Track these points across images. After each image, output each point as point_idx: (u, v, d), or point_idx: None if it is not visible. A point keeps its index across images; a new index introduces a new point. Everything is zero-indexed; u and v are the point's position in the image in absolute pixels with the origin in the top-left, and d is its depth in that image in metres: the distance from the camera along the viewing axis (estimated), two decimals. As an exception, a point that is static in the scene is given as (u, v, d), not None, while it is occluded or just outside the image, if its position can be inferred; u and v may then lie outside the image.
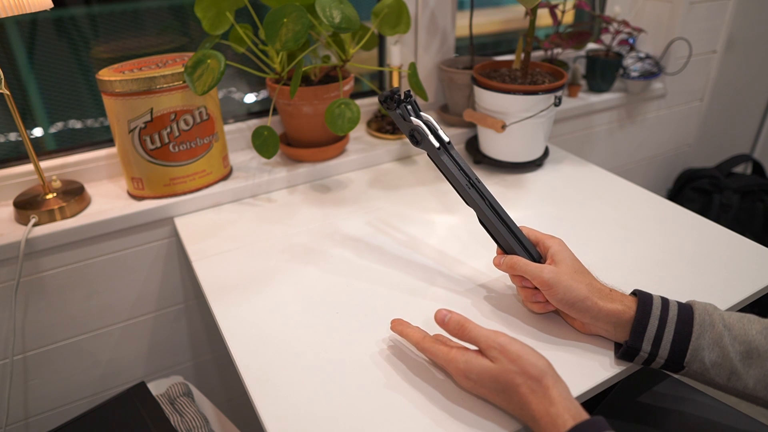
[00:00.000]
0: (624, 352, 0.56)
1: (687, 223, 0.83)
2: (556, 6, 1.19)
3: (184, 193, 0.89)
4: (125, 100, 0.80)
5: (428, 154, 0.65)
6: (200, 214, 0.90)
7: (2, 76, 0.75)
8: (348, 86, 0.96)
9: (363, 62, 1.18)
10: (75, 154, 0.93)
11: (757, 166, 1.77)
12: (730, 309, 0.65)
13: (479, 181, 0.65)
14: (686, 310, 0.55)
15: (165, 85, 0.81)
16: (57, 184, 0.87)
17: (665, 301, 0.56)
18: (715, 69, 1.54)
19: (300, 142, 1.01)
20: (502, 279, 0.72)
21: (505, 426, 0.52)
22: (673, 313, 0.55)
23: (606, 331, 0.58)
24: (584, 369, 0.57)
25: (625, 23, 1.27)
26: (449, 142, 0.66)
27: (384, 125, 1.11)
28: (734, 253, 0.75)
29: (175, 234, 0.92)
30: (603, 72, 1.31)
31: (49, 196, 0.84)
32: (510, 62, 1.03)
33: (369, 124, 1.14)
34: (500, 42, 1.48)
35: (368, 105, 1.15)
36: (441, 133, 0.65)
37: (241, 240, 0.82)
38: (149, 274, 0.94)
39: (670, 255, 0.76)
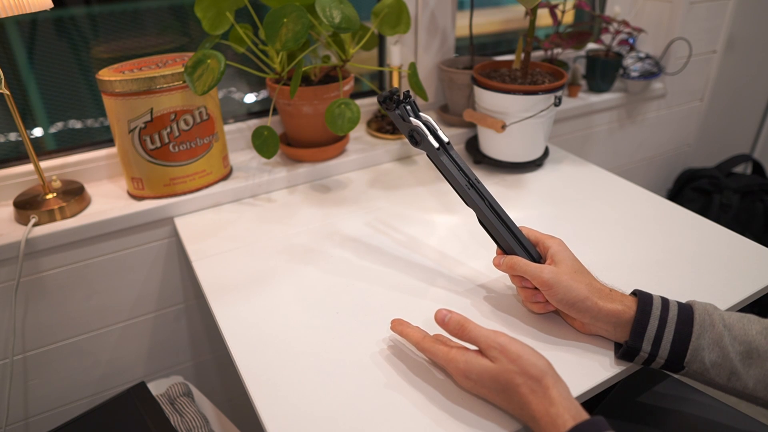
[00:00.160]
0: (624, 352, 0.56)
1: (687, 223, 0.83)
2: (556, 6, 1.19)
3: (184, 193, 0.89)
4: (125, 100, 0.80)
5: (428, 155, 0.65)
6: (200, 214, 0.90)
7: (2, 76, 0.75)
8: (348, 86, 0.96)
9: (363, 62, 1.18)
10: (75, 154, 0.93)
11: (757, 166, 1.77)
12: (730, 309, 0.65)
13: (479, 182, 0.65)
14: (686, 310, 0.55)
15: (165, 85, 0.81)
16: (57, 184, 0.87)
17: (665, 301, 0.56)
18: (715, 69, 1.54)
19: (300, 142, 1.01)
20: (501, 279, 0.72)
21: (505, 426, 0.52)
22: (673, 313, 0.55)
23: (606, 331, 0.58)
24: (584, 369, 0.57)
25: (625, 23, 1.27)
26: (449, 143, 0.66)
27: (384, 125, 1.11)
28: (734, 253, 0.75)
29: (175, 234, 0.92)
30: (603, 72, 1.31)
31: (49, 196, 0.84)
32: (510, 62, 1.03)
33: (369, 124, 1.14)
34: (500, 42, 1.48)
35: (368, 105, 1.15)
36: (440, 133, 0.65)
37: (241, 240, 0.82)
38: (149, 274, 0.94)
39: (670, 255, 0.76)
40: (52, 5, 0.74)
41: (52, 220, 0.82)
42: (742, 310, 0.59)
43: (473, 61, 1.14)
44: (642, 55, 1.36)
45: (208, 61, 0.81)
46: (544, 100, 0.91)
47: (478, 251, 0.78)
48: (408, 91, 0.67)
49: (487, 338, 0.52)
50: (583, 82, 1.37)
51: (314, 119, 0.96)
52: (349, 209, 0.90)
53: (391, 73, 1.14)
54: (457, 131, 1.12)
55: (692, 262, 0.74)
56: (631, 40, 1.33)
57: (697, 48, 1.43)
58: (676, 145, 1.64)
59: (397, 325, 0.60)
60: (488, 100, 0.95)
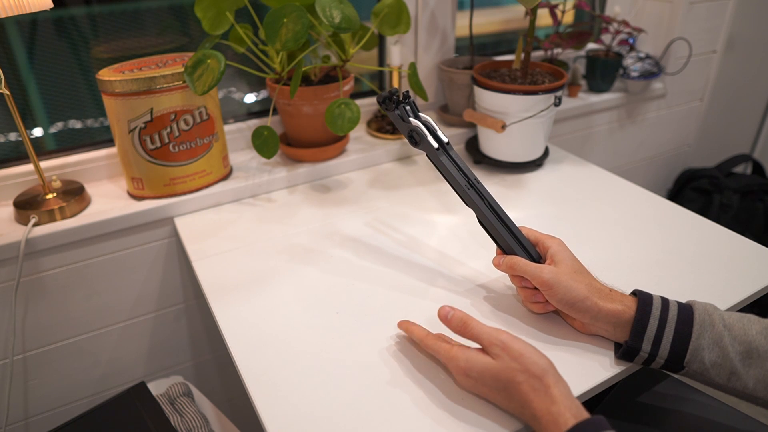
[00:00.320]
0: (624, 352, 0.56)
1: (687, 223, 0.83)
2: (556, 6, 1.19)
3: (184, 193, 0.89)
4: (125, 100, 0.80)
5: (427, 155, 0.65)
6: (200, 214, 0.90)
7: (2, 76, 0.75)
8: (348, 86, 0.96)
9: (363, 62, 1.18)
10: (75, 154, 0.93)
11: (757, 166, 1.77)
12: (730, 309, 0.65)
13: (478, 182, 0.65)
14: (686, 310, 0.55)
15: (165, 85, 0.81)
16: (57, 184, 0.87)
17: (665, 301, 0.56)
18: (715, 69, 1.54)
19: (300, 142, 1.01)
20: (501, 279, 0.72)
21: (505, 426, 0.52)
22: (673, 313, 0.55)
23: (606, 331, 0.58)
24: (584, 369, 0.57)
25: (625, 23, 1.27)
26: (448, 143, 0.65)
27: (384, 125, 1.11)
28: (734, 253, 0.75)
29: (175, 234, 0.92)
30: (603, 72, 1.31)
31: (49, 196, 0.84)
32: (510, 62, 1.03)
33: (369, 124, 1.14)
34: (500, 42, 1.48)
35: (368, 105, 1.15)
36: (440, 133, 0.65)
37: (241, 240, 0.82)
38: (149, 274, 0.94)
39: (670, 255, 0.76)
40: (52, 5, 0.74)
41: (52, 220, 0.82)
42: (742, 310, 0.59)
43: (473, 61, 1.14)
44: (642, 55, 1.36)
45: (208, 61, 0.81)
46: (544, 100, 0.91)
47: (478, 251, 0.78)
48: (407, 92, 0.67)
49: (489, 335, 0.52)
50: (583, 82, 1.37)
51: (314, 119, 0.96)
52: (349, 209, 0.90)
53: (391, 73, 1.14)
54: (457, 131, 1.12)
55: (692, 262, 0.74)
56: (631, 40, 1.33)
57: (697, 48, 1.43)
58: (676, 145, 1.64)
59: (403, 323, 0.61)
60: (488, 100, 0.95)
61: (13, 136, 0.92)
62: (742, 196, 1.60)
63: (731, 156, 1.73)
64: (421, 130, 0.64)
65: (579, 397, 0.55)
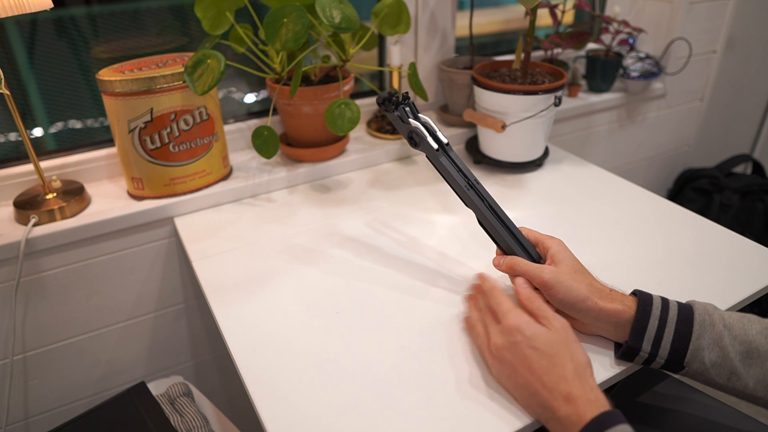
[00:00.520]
0: (624, 352, 0.56)
1: (687, 223, 0.83)
2: (556, 6, 1.19)
3: (184, 193, 0.89)
4: (125, 100, 0.80)
5: (427, 156, 0.65)
6: (200, 214, 0.90)
7: (2, 76, 0.75)
8: (348, 86, 0.96)
9: (363, 62, 1.18)
10: (75, 154, 0.93)
11: (757, 166, 1.77)
12: (730, 309, 0.65)
13: (478, 183, 0.65)
14: (686, 310, 0.55)
15: (165, 85, 0.81)
16: (57, 184, 0.87)
17: (665, 301, 0.56)
18: (715, 69, 1.54)
19: (300, 142, 1.01)
20: (502, 279, 0.72)
21: (505, 426, 0.52)
22: (673, 313, 0.55)
23: (606, 332, 0.58)
24: (584, 369, 0.57)
25: (625, 23, 1.27)
26: (448, 144, 0.65)
27: (384, 125, 1.11)
28: (734, 253, 0.75)
29: (175, 234, 0.92)
30: (603, 72, 1.31)
31: (49, 196, 0.84)
32: (510, 62, 1.03)
33: (369, 124, 1.14)
34: (500, 42, 1.48)
35: (368, 105, 1.15)
36: (439, 134, 0.65)
37: (241, 240, 0.82)
38: (149, 274, 0.94)
39: (670, 255, 0.76)
40: (52, 5, 0.74)
41: (52, 220, 0.82)
42: (742, 310, 0.59)
43: (473, 61, 1.14)
44: (642, 55, 1.36)
45: (208, 61, 0.81)
46: (544, 100, 0.91)
47: (479, 252, 0.78)
48: (407, 93, 0.67)
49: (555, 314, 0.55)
50: (583, 82, 1.37)
51: (314, 119, 0.96)
52: (349, 209, 0.90)
53: (391, 73, 1.14)
54: (457, 131, 1.12)
55: (692, 262, 0.74)
56: (631, 40, 1.33)
57: (697, 48, 1.43)
58: (676, 145, 1.64)
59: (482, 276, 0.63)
60: (488, 100, 0.95)
61: (13, 136, 0.92)
62: (742, 196, 1.60)
63: (731, 156, 1.73)
64: (421, 131, 0.64)
65: (579, 397, 0.55)
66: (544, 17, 1.31)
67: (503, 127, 0.93)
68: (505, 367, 0.54)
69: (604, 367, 0.57)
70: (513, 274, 0.62)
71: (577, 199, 0.91)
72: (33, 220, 0.81)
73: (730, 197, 1.59)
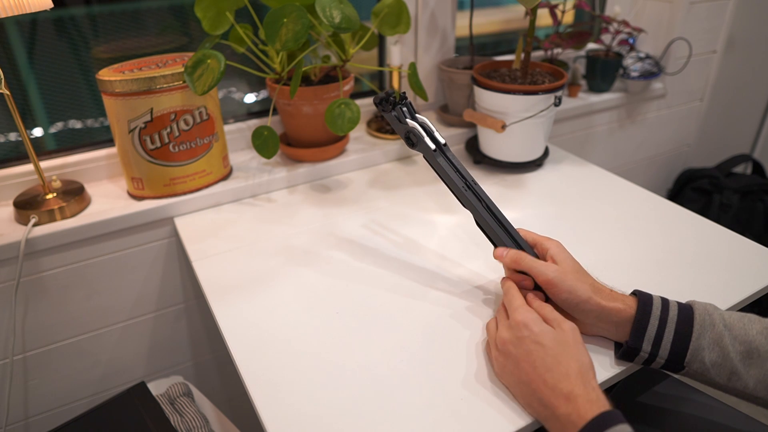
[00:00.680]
0: (624, 352, 0.56)
1: (687, 223, 0.83)
2: (556, 6, 1.19)
3: (184, 193, 0.89)
4: (125, 100, 0.80)
5: (424, 157, 0.65)
6: (200, 214, 0.90)
7: (2, 76, 0.75)
8: (348, 86, 0.96)
9: (363, 62, 1.18)
10: (75, 154, 0.93)
11: (757, 166, 1.77)
12: (730, 309, 0.65)
13: (476, 183, 0.64)
14: (686, 310, 0.55)
15: (165, 85, 0.81)
16: (57, 184, 0.87)
17: (665, 302, 0.56)
18: (715, 69, 1.54)
19: (300, 142, 1.01)
20: (500, 279, 0.72)
21: (505, 425, 0.52)
22: (673, 313, 0.55)
23: (607, 331, 0.58)
24: (584, 369, 0.57)
25: (625, 23, 1.27)
26: (445, 144, 0.65)
27: (384, 125, 1.11)
28: (734, 253, 0.75)
29: (175, 234, 0.92)
30: (603, 72, 1.31)
31: (49, 196, 0.84)
32: (510, 62, 1.03)
33: (369, 124, 1.14)
34: (500, 42, 1.48)
35: (368, 105, 1.15)
36: (437, 135, 0.65)
37: (241, 240, 0.82)
38: (149, 274, 0.94)
39: (670, 255, 0.76)
40: (52, 5, 0.74)
41: (52, 220, 0.82)
42: (742, 310, 0.59)
43: (473, 61, 1.14)
44: (642, 55, 1.36)
45: (208, 61, 0.81)
46: (544, 100, 0.91)
47: (479, 251, 0.78)
48: (404, 93, 0.67)
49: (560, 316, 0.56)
50: (583, 82, 1.37)
51: (314, 119, 0.96)
52: (349, 209, 0.90)
53: (391, 73, 1.14)
54: (457, 131, 1.12)
55: (692, 262, 0.74)
56: (631, 40, 1.33)
57: (697, 48, 1.43)
58: (676, 145, 1.64)
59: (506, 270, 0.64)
60: (488, 100, 0.95)
61: (13, 136, 0.92)
62: (742, 196, 1.60)
63: (731, 156, 1.73)
64: (418, 132, 0.64)
65: (579, 397, 0.55)
66: (544, 17, 1.31)
67: (503, 127, 0.93)
68: (508, 361, 0.54)
69: (604, 367, 0.57)
70: (516, 268, 0.61)
71: (577, 199, 0.91)
72: (33, 220, 0.81)
73: (730, 197, 1.59)
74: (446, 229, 0.84)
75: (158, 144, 0.84)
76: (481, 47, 1.39)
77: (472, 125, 1.12)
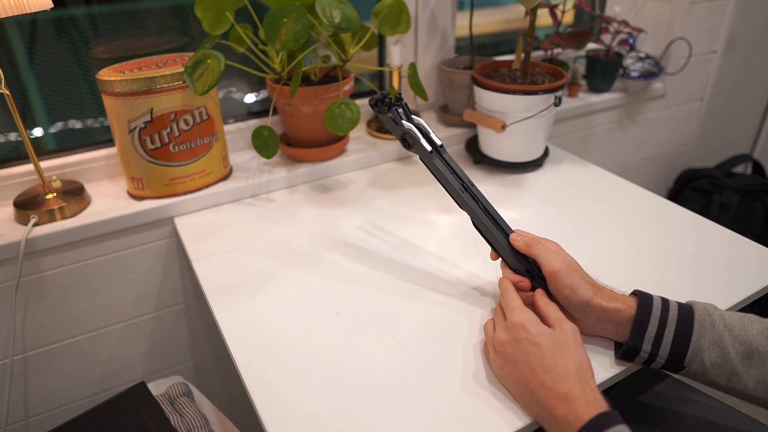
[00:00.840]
0: (624, 352, 0.56)
1: (687, 223, 0.83)
2: (556, 6, 1.19)
3: (184, 193, 0.89)
4: (125, 100, 0.80)
5: (420, 158, 0.65)
6: (200, 214, 0.90)
7: (2, 76, 0.75)
8: (348, 86, 0.96)
9: (363, 62, 1.18)
10: (75, 154, 0.93)
11: (757, 166, 1.77)
12: (730, 309, 0.65)
13: (472, 185, 0.64)
14: (686, 311, 0.55)
15: (165, 85, 0.81)
16: (57, 184, 0.87)
17: (665, 302, 0.56)
18: (715, 69, 1.54)
19: (300, 142, 1.01)
20: (498, 279, 0.72)
21: (505, 426, 0.52)
22: (673, 313, 0.55)
23: (607, 331, 0.58)
24: (584, 369, 0.57)
25: (625, 23, 1.27)
26: (442, 146, 0.65)
27: (384, 125, 1.11)
28: (734, 253, 0.75)
29: (175, 234, 0.92)
30: (603, 72, 1.31)
31: (49, 196, 0.84)
32: (510, 62, 1.03)
33: (369, 124, 1.14)
34: (500, 42, 1.48)
35: (368, 105, 1.15)
36: (433, 136, 0.64)
37: (241, 240, 0.82)
38: (149, 274, 0.94)
39: (670, 255, 0.76)
40: (52, 5, 0.74)
41: (52, 220, 0.82)
42: (742, 310, 0.59)
43: (473, 61, 1.14)
44: (642, 55, 1.36)
45: (208, 61, 0.81)
46: (544, 100, 0.91)
47: (479, 252, 0.78)
48: (400, 94, 0.66)
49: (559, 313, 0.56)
50: (583, 82, 1.37)
51: (314, 119, 0.96)
52: (349, 209, 0.90)
53: (391, 73, 1.14)
54: (457, 131, 1.12)
55: (692, 262, 0.74)
56: (631, 40, 1.33)
57: (697, 48, 1.43)
58: (676, 145, 1.64)
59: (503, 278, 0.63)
60: (488, 100, 0.95)
61: (13, 136, 0.92)
62: (742, 196, 1.60)
63: (731, 156, 1.72)
64: (414, 133, 0.64)
65: (579, 397, 0.55)
66: (544, 17, 1.31)
67: (503, 127, 0.93)
68: (506, 362, 0.54)
69: (604, 367, 0.57)
70: (527, 252, 0.61)
71: (577, 199, 0.91)
72: (33, 220, 0.81)
73: (730, 197, 1.59)
74: (446, 230, 0.84)
75: (158, 144, 0.84)
76: (481, 47, 1.39)
77: (472, 125, 1.12)
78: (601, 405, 0.47)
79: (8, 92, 0.76)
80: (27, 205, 0.82)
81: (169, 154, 0.85)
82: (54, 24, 0.90)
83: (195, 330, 1.04)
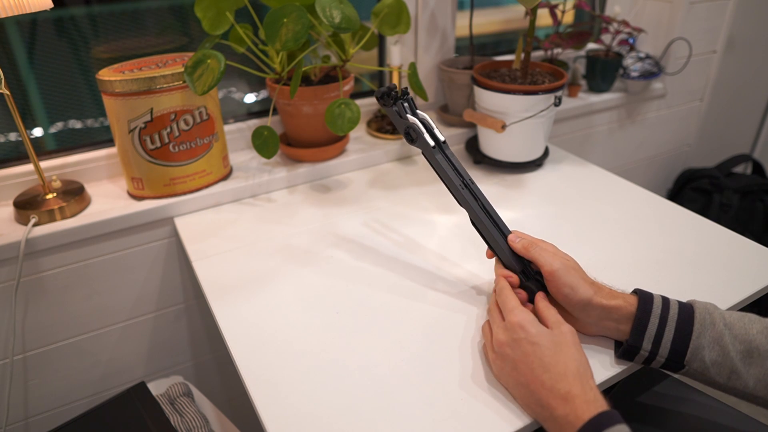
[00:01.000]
0: (624, 350, 0.56)
1: (687, 223, 0.83)
2: (556, 6, 1.19)
3: (184, 193, 0.89)
4: (125, 100, 0.80)
5: (423, 153, 0.65)
6: (200, 214, 0.90)
7: (2, 76, 0.75)
8: (348, 86, 0.96)
9: (363, 62, 1.18)
10: (75, 154, 0.93)
11: (757, 166, 1.77)
12: (730, 309, 0.65)
13: (473, 182, 0.65)
14: (687, 309, 0.55)
15: (165, 85, 0.81)
16: (57, 184, 0.87)
17: (666, 300, 0.56)
18: (715, 69, 1.54)
19: (300, 142, 1.01)
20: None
21: (505, 426, 0.52)
22: (673, 311, 0.55)
23: (608, 329, 0.58)
24: (584, 369, 0.57)
25: (625, 23, 1.27)
26: (444, 142, 0.65)
27: (384, 125, 1.11)
28: (734, 253, 0.75)
29: (175, 234, 0.92)
30: (603, 72, 1.31)
31: (49, 196, 0.84)
32: (510, 62, 1.03)
33: (369, 124, 1.14)
34: (500, 42, 1.48)
35: (368, 105, 1.15)
36: (437, 132, 0.65)
37: (241, 240, 0.82)
38: (149, 274, 0.94)
39: (670, 255, 0.76)
40: (52, 5, 0.74)
41: (52, 220, 0.82)
42: (742, 311, 0.59)
43: (473, 61, 1.14)
44: (642, 55, 1.36)
45: (208, 61, 0.81)
46: (544, 100, 0.91)
47: (478, 252, 0.78)
48: (406, 88, 0.67)
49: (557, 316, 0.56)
50: (583, 82, 1.37)
51: (314, 119, 0.96)
52: (349, 209, 0.90)
53: (391, 73, 1.14)
54: (457, 131, 1.12)
55: (692, 262, 0.74)
56: (631, 40, 1.33)
57: (697, 48, 1.43)
58: (676, 145, 1.64)
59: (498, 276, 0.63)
60: (488, 100, 0.95)
61: (13, 136, 0.92)
62: (742, 196, 1.60)
63: (731, 156, 1.72)
64: (418, 128, 0.64)
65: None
66: (544, 17, 1.31)
67: (503, 127, 0.93)
68: (506, 363, 0.54)
69: (605, 366, 0.57)
70: (526, 255, 0.61)
71: (577, 199, 0.91)
72: (33, 220, 0.81)
73: (730, 197, 1.59)
74: (446, 230, 0.84)
75: (158, 144, 0.84)
76: (481, 47, 1.39)
77: (472, 125, 1.12)
78: (601, 404, 0.47)
79: (8, 92, 0.76)
80: (27, 205, 0.82)
81: (169, 154, 0.85)
82: (54, 24, 0.90)
83: (195, 330, 1.04)
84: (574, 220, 0.85)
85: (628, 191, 0.93)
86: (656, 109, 1.49)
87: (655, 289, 0.60)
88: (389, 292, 0.70)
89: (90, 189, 0.92)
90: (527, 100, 0.91)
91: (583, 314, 0.57)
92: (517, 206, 0.89)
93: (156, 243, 0.92)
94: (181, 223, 0.87)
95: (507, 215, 0.86)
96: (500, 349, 0.55)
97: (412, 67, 0.95)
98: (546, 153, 1.03)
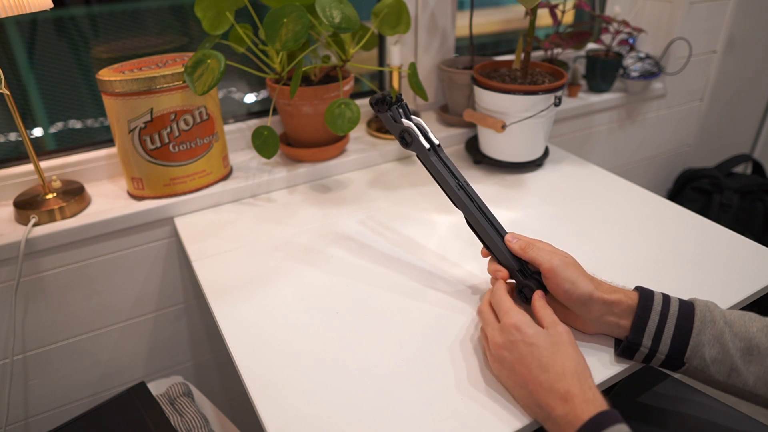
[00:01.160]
0: (624, 347, 0.56)
1: (687, 223, 0.83)
2: (556, 6, 1.19)
3: (184, 193, 0.89)
4: (125, 100, 0.80)
5: (418, 156, 0.66)
6: (200, 214, 0.90)
7: (2, 76, 0.75)
8: (348, 86, 0.96)
9: (363, 62, 1.18)
10: (75, 154, 0.93)
11: (757, 166, 1.77)
12: (730, 308, 0.65)
13: (468, 184, 0.66)
14: (687, 307, 0.55)
15: (165, 85, 0.81)
16: (57, 184, 0.87)
17: (666, 298, 0.56)
18: (715, 69, 1.54)
19: (300, 142, 1.01)
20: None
21: (505, 426, 0.52)
22: (674, 308, 0.55)
23: (610, 325, 0.57)
24: (584, 369, 0.57)
25: (625, 23, 1.27)
26: (439, 145, 0.67)
27: (384, 125, 1.11)
28: (734, 253, 0.75)
29: (175, 234, 0.92)
30: (603, 72, 1.31)
31: (49, 196, 0.84)
32: (510, 62, 1.03)
33: (369, 124, 1.14)
34: (500, 42, 1.48)
35: (368, 105, 1.15)
36: (431, 135, 0.66)
37: (241, 240, 0.82)
38: (149, 274, 0.94)
39: (670, 255, 0.76)
40: (52, 5, 0.74)
41: (52, 220, 0.82)
42: (742, 310, 0.59)
43: (473, 61, 1.14)
44: (642, 55, 1.36)
45: (208, 61, 0.81)
46: (544, 100, 0.91)
47: (478, 252, 0.78)
48: (400, 94, 0.68)
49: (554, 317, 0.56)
50: (583, 82, 1.37)
51: (314, 119, 0.96)
52: (349, 209, 0.90)
53: (391, 73, 1.14)
54: (457, 131, 1.12)
55: (692, 262, 0.74)
56: (631, 40, 1.33)
57: (697, 48, 1.43)
58: (676, 145, 1.64)
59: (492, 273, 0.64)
60: (488, 100, 0.95)
61: (13, 136, 0.92)
62: (742, 196, 1.60)
63: (731, 156, 1.72)
64: (413, 131, 0.65)
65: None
66: (544, 17, 1.31)
67: (503, 127, 0.93)
68: (503, 365, 0.54)
69: (605, 365, 0.57)
70: (524, 254, 0.61)
71: (577, 199, 0.91)
72: (33, 220, 0.81)
73: (730, 197, 1.59)
74: (445, 229, 0.84)
75: (158, 144, 0.84)
76: (481, 47, 1.39)
77: (472, 125, 1.12)
78: (600, 404, 0.47)
79: (8, 92, 0.76)
80: (27, 205, 0.82)
81: (169, 154, 0.85)
82: (54, 24, 0.90)
83: (195, 330, 1.04)
84: (574, 220, 0.85)
85: (628, 191, 0.93)
86: (656, 109, 1.49)
87: (655, 288, 0.60)
88: (389, 291, 0.70)
89: (90, 189, 0.92)
90: (527, 100, 0.91)
91: (584, 310, 0.57)
92: (517, 206, 0.89)
93: (156, 243, 0.92)
94: (181, 223, 0.87)
95: (507, 215, 0.86)
96: (497, 352, 0.55)
97: (412, 67, 0.95)
98: (546, 153, 1.03)
